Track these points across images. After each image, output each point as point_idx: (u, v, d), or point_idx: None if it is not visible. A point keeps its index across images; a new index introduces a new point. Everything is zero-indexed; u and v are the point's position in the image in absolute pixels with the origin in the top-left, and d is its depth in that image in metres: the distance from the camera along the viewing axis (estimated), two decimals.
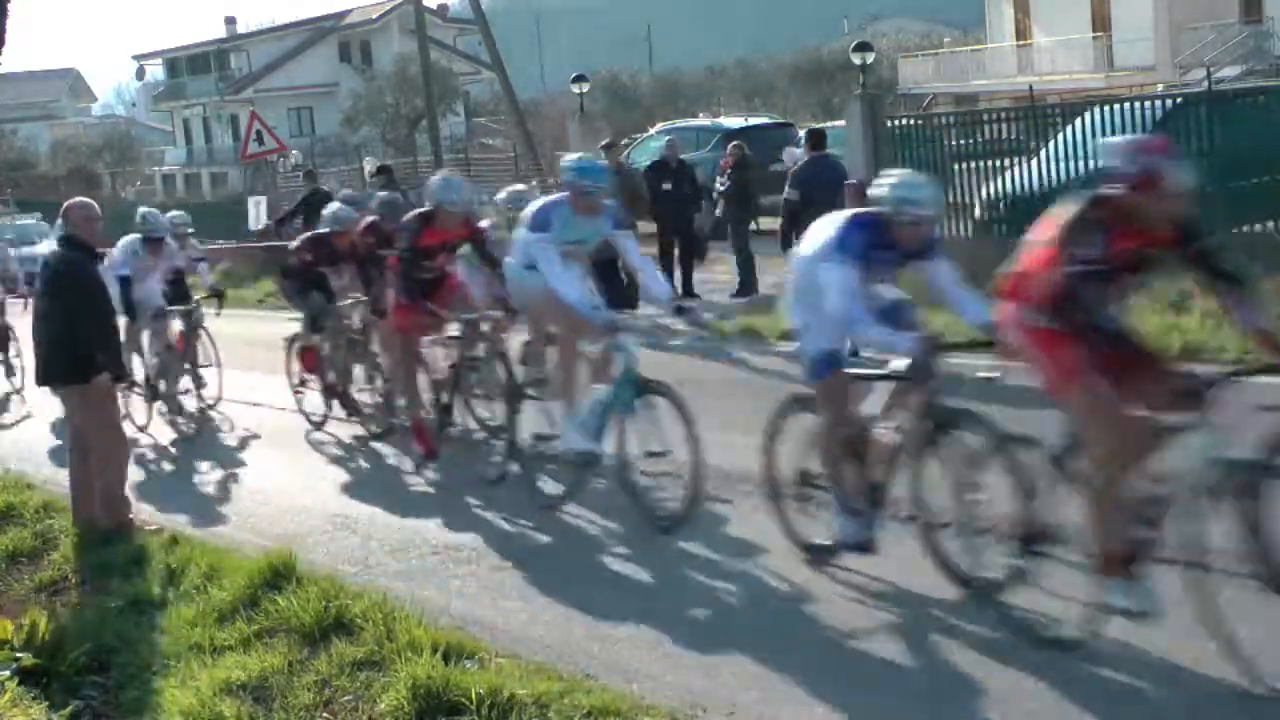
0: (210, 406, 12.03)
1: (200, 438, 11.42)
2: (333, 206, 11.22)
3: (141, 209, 12.53)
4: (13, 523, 8.75)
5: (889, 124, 17.63)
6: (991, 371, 6.11)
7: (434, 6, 59.47)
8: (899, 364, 6.11)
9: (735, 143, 17.71)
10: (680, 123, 29.21)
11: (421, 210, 9.23)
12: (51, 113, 78.98)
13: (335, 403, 10.90)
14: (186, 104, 68.27)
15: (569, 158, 8.74)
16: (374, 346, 10.40)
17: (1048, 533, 5.44)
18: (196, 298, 12.41)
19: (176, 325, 11.81)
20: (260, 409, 11.99)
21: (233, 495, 9.41)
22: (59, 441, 10.96)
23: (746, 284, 15.86)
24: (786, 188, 13.55)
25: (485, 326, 9.01)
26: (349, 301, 10.72)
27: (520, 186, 13.43)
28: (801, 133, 17.79)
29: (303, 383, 11.25)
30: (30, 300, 10.21)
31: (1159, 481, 5.11)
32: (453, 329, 9.11)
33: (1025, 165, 15.63)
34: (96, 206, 8.42)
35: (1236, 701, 4.82)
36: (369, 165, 27.34)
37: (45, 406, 12.13)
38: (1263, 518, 4.89)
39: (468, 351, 9.01)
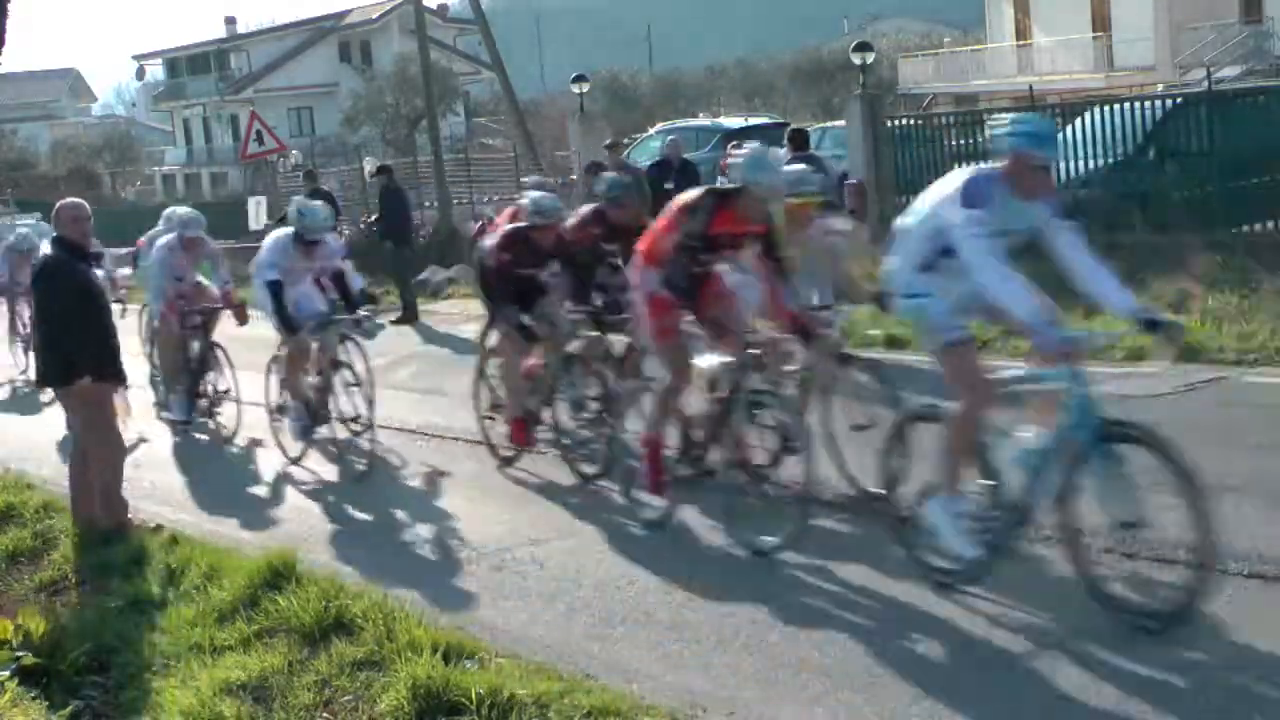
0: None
1: (199, 439, 11.41)
2: (532, 195, 9.44)
3: (296, 200, 11.62)
4: (13, 523, 8.75)
5: (889, 124, 17.65)
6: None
7: (434, 6, 59.47)
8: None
9: (735, 143, 17.71)
10: (680, 123, 29.23)
11: (719, 189, 7.40)
12: (51, 113, 79.00)
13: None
14: (186, 104, 68.27)
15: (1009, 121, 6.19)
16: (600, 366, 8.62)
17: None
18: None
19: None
20: (260, 409, 11.98)
21: (233, 495, 9.41)
22: (59, 441, 10.95)
23: None
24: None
25: (767, 351, 7.26)
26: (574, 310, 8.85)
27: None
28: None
29: (495, 408, 9.56)
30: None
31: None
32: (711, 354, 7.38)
33: None
34: (86, 206, 8.38)
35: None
36: (369, 165, 27.36)
37: (47, 407, 12.16)
38: None
39: (742, 381, 7.09)
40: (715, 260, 7.34)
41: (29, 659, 6.25)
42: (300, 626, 6.12)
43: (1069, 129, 15.52)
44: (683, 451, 7.50)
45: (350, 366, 9.68)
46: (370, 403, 9.59)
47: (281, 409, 10.25)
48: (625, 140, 23.85)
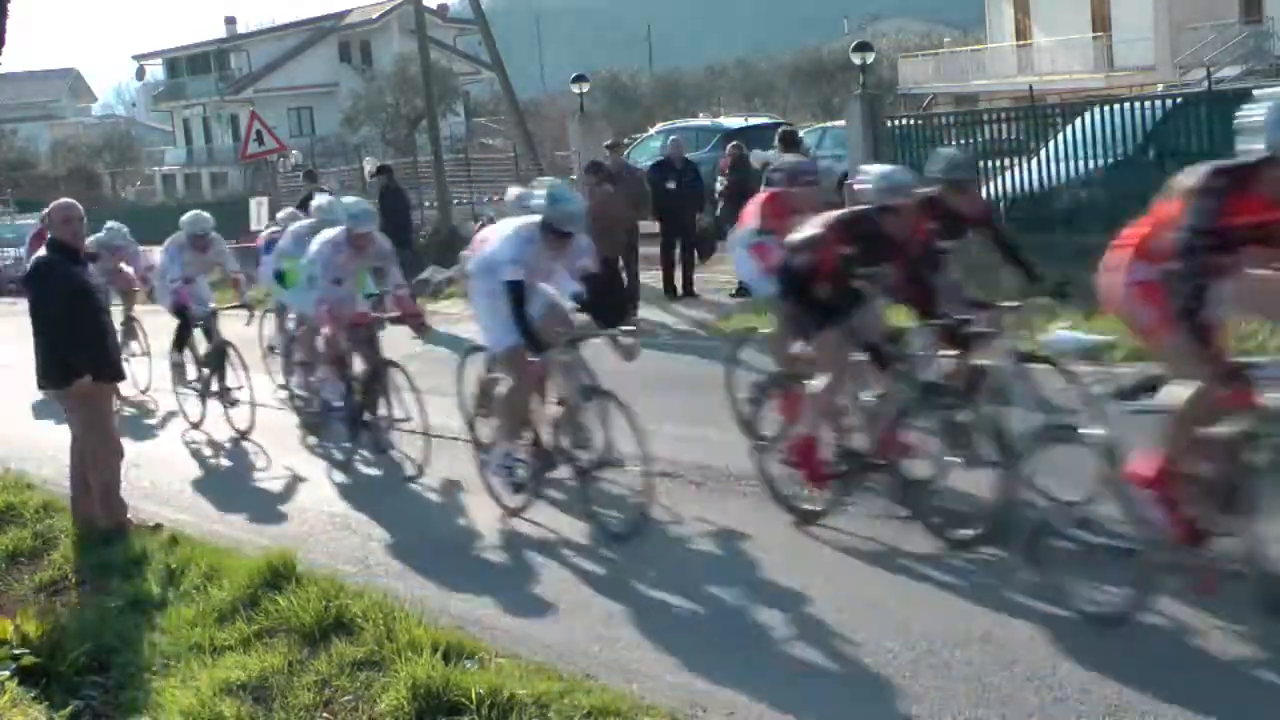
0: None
1: (198, 438, 11.42)
2: (879, 169, 7.26)
3: (545, 183, 9.61)
4: (13, 523, 8.75)
5: (889, 124, 17.65)
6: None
7: (434, 6, 59.46)
8: None
9: (734, 143, 17.72)
10: (680, 123, 29.21)
11: (1230, 164, 5.07)
12: (51, 113, 78.96)
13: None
14: (186, 104, 68.26)
15: None
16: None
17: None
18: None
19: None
20: (260, 409, 11.97)
21: (233, 495, 9.41)
22: (59, 441, 10.95)
23: None
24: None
25: None
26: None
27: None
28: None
29: (768, 441, 7.80)
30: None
31: None
32: None
33: (1025, 165, 15.64)
34: (78, 207, 8.36)
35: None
36: (369, 165, 27.38)
37: (47, 407, 12.14)
38: None
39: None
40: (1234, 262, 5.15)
41: (29, 659, 6.26)
42: (300, 626, 6.12)
43: (1069, 129, 15.52)
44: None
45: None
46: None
47: (488, 448, 8.31)
48: (625, 140, 23.84)
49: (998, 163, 16.20)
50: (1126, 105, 15.37)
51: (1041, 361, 7.02)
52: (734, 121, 26.76)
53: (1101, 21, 40.46)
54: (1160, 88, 27.17)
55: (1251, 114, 5.02)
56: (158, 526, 8.21)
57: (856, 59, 19.13)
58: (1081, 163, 14.86)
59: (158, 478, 10.06)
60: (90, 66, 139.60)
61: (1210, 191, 4.98)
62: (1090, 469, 5.46)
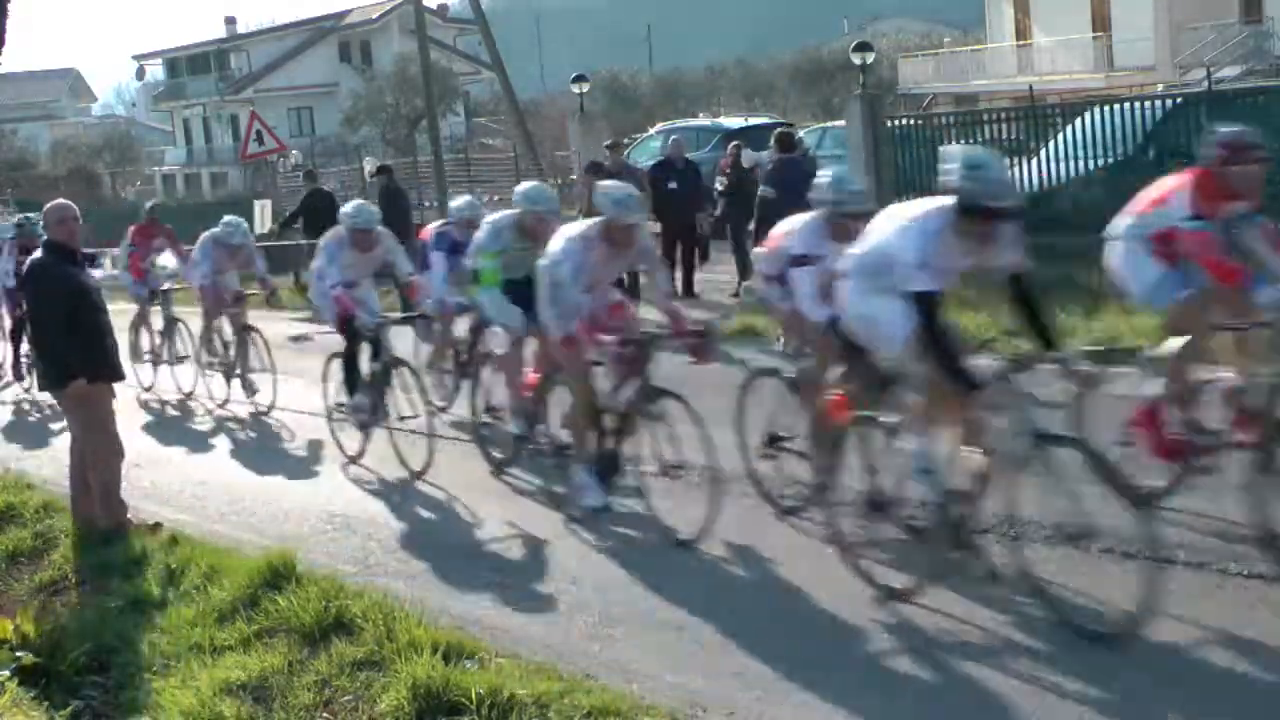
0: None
1: (199, 438, 11.42)
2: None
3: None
4: (13, 523, 8.75)
5: (889, 124, 17.64)
6: None
7: (434, 6, 59.48)
8: None
9: (735, 143, 17.71)
10: (680, 123, 29.20)
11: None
12: (51, 113, 78.97)
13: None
14: (186, 104, 68.25)
15: None
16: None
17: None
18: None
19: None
20: (259, 408, 11.99)
21: (233, 495, 9.41)
22: (59, 441, 10.95)
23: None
24: (761, 186, 13.66)
25: None
26: None
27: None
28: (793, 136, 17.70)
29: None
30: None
31: None
32: None
33: (1025, 165, 15.64)
34: (73, 207, 8.35)
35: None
36: (369, 165, 27.36)
37: (47, 408, 12.15)
38: None
39: None
40: None
41: (29, 659, 6.26)
42: (300, 626, 6.12)
43: (1069, 129, 15.52)
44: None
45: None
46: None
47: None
48: (625, 140, 23.84)
49: None
50: (1126, 105, 15.39)
51: None
52: (734, 121, 26.77)
53: (1101, 21, 40.46)
54: (1160, 88, 27.18)
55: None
56: (157, 526, 8.21)
57: (856, 59, 19.12)
58: (1081, 163, 14.86)
59: (158, 478, 10.06)
60: (90, 66, 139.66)
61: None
62: None
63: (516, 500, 8.53)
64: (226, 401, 12.37)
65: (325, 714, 5.46)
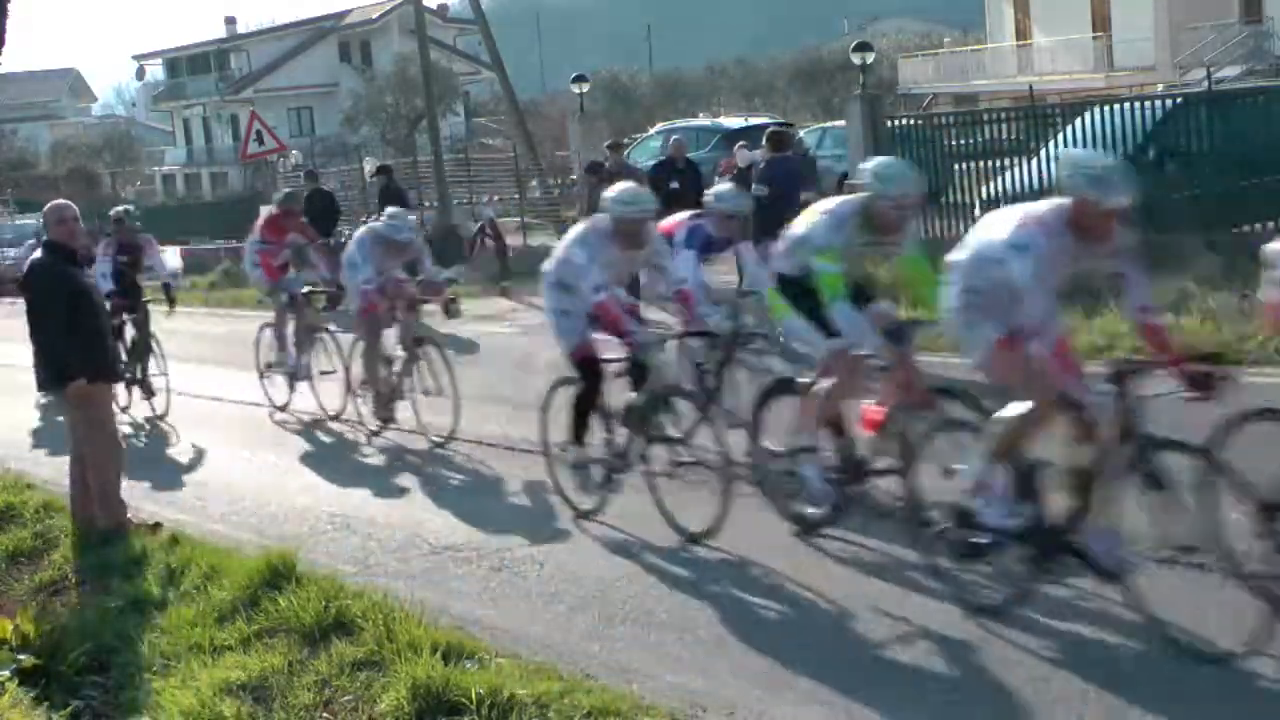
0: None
1: (199, 438, 11.41)
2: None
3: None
4: (13, 523, 8.75)
5: (889, 124, 17.65)
6: None
7: (434, 6, 59.47)
8: None
9: (741, 143, 17.72)
10: (680, 123, 29.24)
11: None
12: (51, 113, 78.99)
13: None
14: (186, 104, 68.25)
15: None
16: None
17: None
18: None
19: None
20: (260, 408, 11.98)
21: (233, 495, 9.41)
22: (59, 442, 10.95)
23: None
24: (754, 185, 13.65)
25: None
26: None
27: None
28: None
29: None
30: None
31: None
32: None
33: (1025, 165, 15.64)
34: (73, 207, 8.35)
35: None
36: (369, 165, 27.36)
37: (48, 408, 12.15)
38: None
39: None
40: None
41: (29, 659, 6.26)
42: (300, 626, 6.12)
43: (1069, 129, 15.52)
44: None
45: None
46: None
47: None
48: (625, 140, 23.86)
49: (998, 163, 16.21)
50: (1126, 105, 15.39)
51: None
52: (734, 121, 26.78)
53: (1101, 21, 40.46)
54: (1160, 88, 27.20)
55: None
56: (157, 526, 8.20)
57: (856, 59, 19.14)
58: None
59: (158, 478, 10.06)
60: (90, 66, 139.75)
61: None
62: None
63: (517, 500, 8.53)
64: (382, 430, 10.48)
65: (325, 714, 5.46)
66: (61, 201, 8.53)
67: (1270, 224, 13.83)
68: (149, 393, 12.18)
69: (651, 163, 19.29)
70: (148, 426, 11.95)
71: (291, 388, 11.69)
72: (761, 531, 7.24)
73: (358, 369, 10.64)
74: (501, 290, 19.39)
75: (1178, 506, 5.17)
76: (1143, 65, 37.61)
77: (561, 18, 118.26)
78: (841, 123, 22.33)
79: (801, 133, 26.42)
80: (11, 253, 29.08)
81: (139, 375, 12.25)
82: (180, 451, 11.08)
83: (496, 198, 27.08)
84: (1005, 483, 5.67)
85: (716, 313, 8.20)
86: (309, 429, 11.18)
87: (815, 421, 6.87)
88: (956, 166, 17.02)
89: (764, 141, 15.01)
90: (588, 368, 7.61)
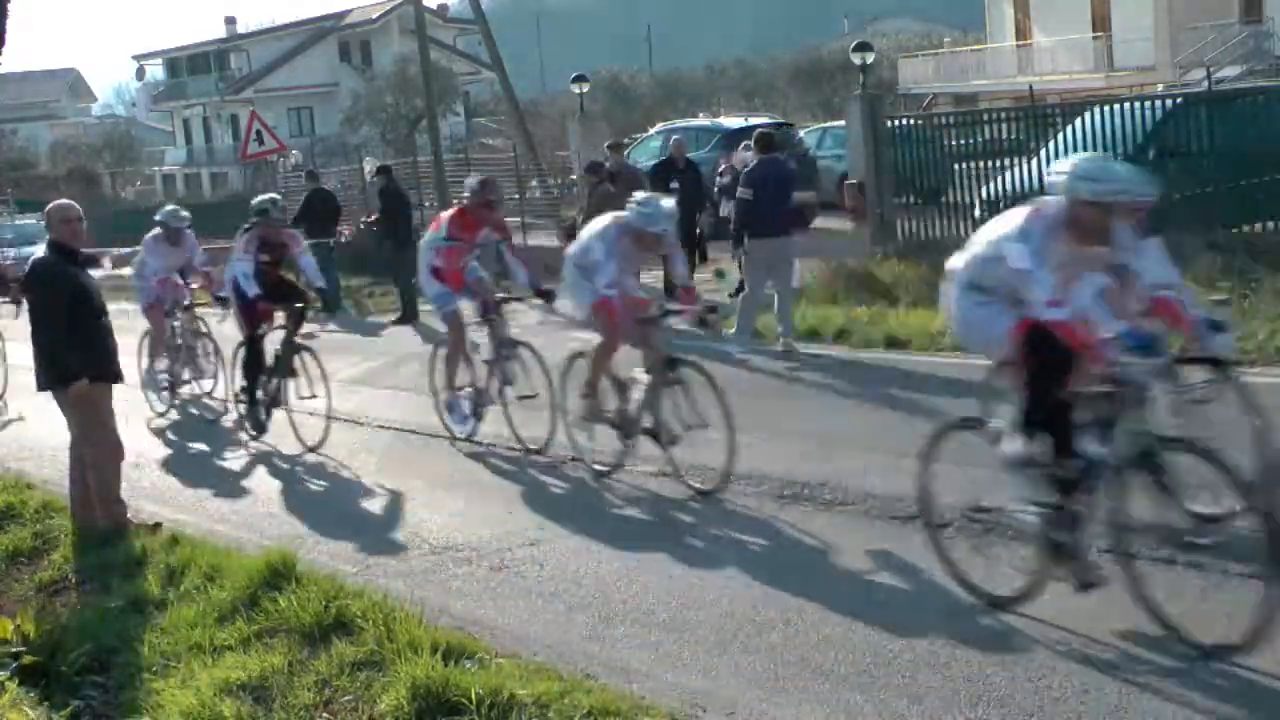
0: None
1: (200, 438, 11.42)
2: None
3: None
4: (13, 522, 8.75)
5: (889, 124, 17.63)
6: None
7: (434, 6, 59.48)
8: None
9: (746, 143, 17.69)
10: (680, 123, 29.21)
11: None
12: (51, 113, 79.02)
13: None
14: (186, 104, 68.27)
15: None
16: None
17: None
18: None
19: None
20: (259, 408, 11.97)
21: (233, 495, 9.41)
22: (59, 442, 10.95)
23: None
24: (739, 187, 13.64)
25: None
26: None
27: None
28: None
29: None
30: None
31: None
32: None
33: (1025, 165, 15.64)
34: (76, 208, 8.35)
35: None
36: (369, 165, 27.34)
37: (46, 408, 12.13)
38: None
39: None
40: None
41: (29, 659, 6.26)
42: (300, 626, 6.12)
43: (1069, 129, 15.52)
44: None
45: None
46: None
47: None
48: (626, 140, 23.86)
49: (998, 163, 16.21)
50: (1126, 105, 15.38)
51: None
52: (734, 121, 26.76)
53: (1101, 21, 40.46)
54: (1160, 88, 27.19)
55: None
56: (158, 526, 8.21)
57: (856, 59, 19.11)
58: None
59: (158, 478, 10.07)
60: (90, 66, 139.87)
61: None
62: None
63: (517, 500, 8.53)
64: (618, 468, 8.69)
65: (325, 714, 5.46)
66: (65, 201, 8.53)
67: (1270, 224, 13.83)
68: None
69: (651, 163, 19.28)
70: (251, 425, 10.90)
71: (478, 416, 9.91)
72: (762, 532, 7.25)
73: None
74: (504, 288, 19.36)
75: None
76: (1143, 65, 37.61)
77: (561, 18, 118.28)
78: (841, 123, 22.31)
79: (802, 133, 26.46)
80: (11, 253, 29.07)
81: (278, 396, 10.70)
82: (180, 452, 11.09)
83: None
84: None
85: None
86: (309, 428, 11.15)
87: None
88: (956, 166, 17.01)
89: (752, 143, 15.00)
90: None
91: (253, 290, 10.59)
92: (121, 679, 6.14)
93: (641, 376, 8.40)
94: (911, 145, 17.26)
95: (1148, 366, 5.56)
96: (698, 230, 16.43)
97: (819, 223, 20.15)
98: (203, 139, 67.87)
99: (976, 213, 16.16)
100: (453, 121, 53.78)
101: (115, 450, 8.41)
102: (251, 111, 32.07)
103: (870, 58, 19.38)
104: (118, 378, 8.36)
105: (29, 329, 8.18)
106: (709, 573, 6.79)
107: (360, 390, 12.74)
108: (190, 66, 69.16)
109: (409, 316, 17.57)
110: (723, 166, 17.22)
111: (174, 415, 12.45)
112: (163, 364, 12.57)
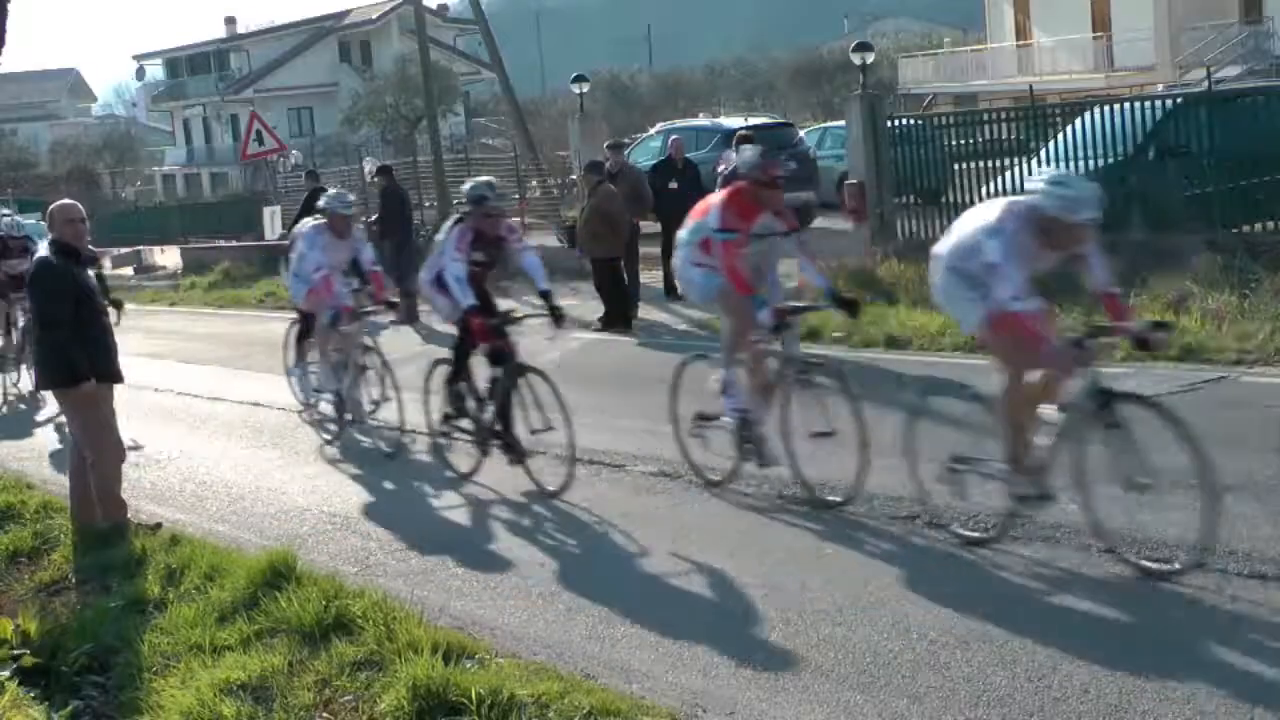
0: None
1: (199, 438, 11.42)
2: None
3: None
4: (13, 523, 8.75)
5: (889, 124, 17.63)
6: None
7: (434, 6, 59.50)
8: None
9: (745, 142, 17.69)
10: (680, 123, 29.19)
11: None
12: (51, 113, 79.05)
13: None
14: (186, 104, 68.28)
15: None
16: None
17: None
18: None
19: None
20: (260, 408, 11.99)
21: (233, 495, 9.41)
22: (59, 442, 10.96)
23: None
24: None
25: None
26: None
27: None
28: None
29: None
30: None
31: None
32: None
33: (1025, 165, 15.63)
34: (79, 208, 8.36)
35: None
36: (369, 165, 27.33)
37: (47, 409, 12.14)
38: None
39: None
40: None
41: (29, 659, 6.26)
42: (300, 626, 6.12)
43: (1069, 129, 15.51)
44: None
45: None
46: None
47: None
48: (626, 140, 23.84)
49: (998, 163, 16.20)
50: (1126, 105, 15.36)
51: None
52: (734, 121, 26.75)
53: (1101, 21, 40.46)
54: (1160, 88, 27.18)
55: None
56: (158, 526, 8.21)
57: (856, 59, 19.10)
58: (1081, 163, 14.86)
59: (158, 478, 10.07)
60: (90, 66, 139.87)
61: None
62: None
63: (517, 500, 8.52)
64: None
65: (325, 714, 5.46)
66: (68, 202, 8.53)
67: (1270, 224, 13.83)
68: (517, 456, 8.67)
69: (651, 163, 19.28)
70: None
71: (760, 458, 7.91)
72: (762, 533, 7.25)
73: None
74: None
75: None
76: (1143, 65, 37.61)
77: (561, 18, 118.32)
78: (841, 123, 22.30)
79: (802, 133, 26.45)
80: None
81: (503, 429, 8.78)
82: (180, 451, 11.08)
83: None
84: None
85: None
86: (309, 429, 11.15)
87: None
88: (956, 166, 17.00)
89: (733, 144, 14.97)
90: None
91: (468, 299, 8.50)
92: (121, 679, 6.13)
93: (1052, 414, 6.47)
94: (911, 145, 17.25)
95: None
96: None
97: (819, 223, 20.15)
98: (203, 139, 67.89)
99: None
100: (453, 121, 53.80)
101: (116, 450, 8.41)
102: (252, 112, 32.11)
103: (870, 58, 19.36)
104: (119, 378, 8.37)
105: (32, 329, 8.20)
106: (709, 572, 6.79)
107: None
108: (190, 66, 69.17)
109: (409, 316, 17.58)
110: (721, 166, 17.21)
111: (175, 413, 12.45)
112: (321, 364, 10.78)
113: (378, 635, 5.87)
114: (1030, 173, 15.29)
